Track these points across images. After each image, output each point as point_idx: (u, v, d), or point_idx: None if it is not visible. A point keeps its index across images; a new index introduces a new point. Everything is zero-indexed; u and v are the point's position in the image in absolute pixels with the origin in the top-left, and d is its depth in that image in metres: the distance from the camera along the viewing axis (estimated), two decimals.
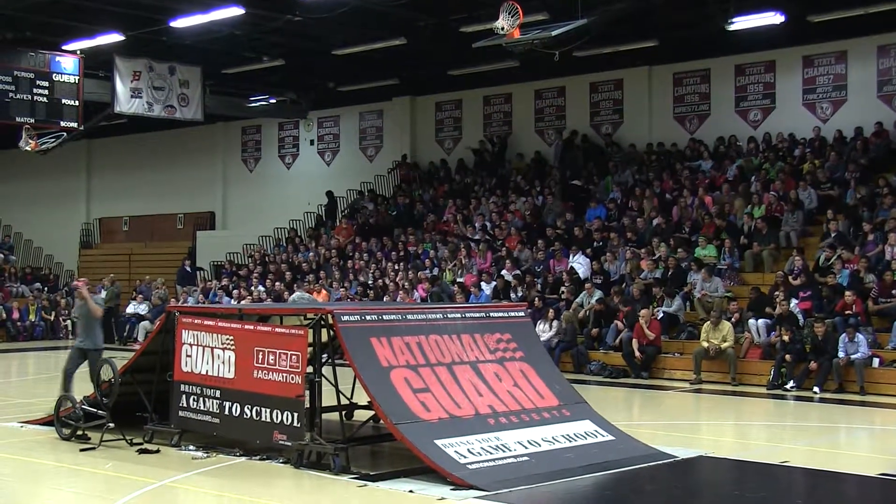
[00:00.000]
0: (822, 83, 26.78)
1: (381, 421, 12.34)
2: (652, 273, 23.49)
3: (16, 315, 33.07)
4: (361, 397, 12.85)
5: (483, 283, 24.99)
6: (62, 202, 43.33)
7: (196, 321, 13.14)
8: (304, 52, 29.45)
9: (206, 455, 12.43)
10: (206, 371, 12.77)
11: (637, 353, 21.42)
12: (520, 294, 24.03)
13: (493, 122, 32.75)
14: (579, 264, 24.78)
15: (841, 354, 18.98)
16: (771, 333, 20.50)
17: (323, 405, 12.20)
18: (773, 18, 24.15)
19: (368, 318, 12.31)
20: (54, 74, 27.34)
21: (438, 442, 11.14)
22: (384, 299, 25.99)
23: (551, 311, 22.95)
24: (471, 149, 33.02)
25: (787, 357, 19.53)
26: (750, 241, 23.68)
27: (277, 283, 29.39)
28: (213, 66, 30.90)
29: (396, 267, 27.90)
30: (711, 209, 24.92)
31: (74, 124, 28.00)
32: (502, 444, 11.51)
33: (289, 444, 11.80)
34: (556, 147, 30.58)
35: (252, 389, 12.20)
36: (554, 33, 19.59)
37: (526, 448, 11.61)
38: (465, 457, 11.05)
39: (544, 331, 22.37)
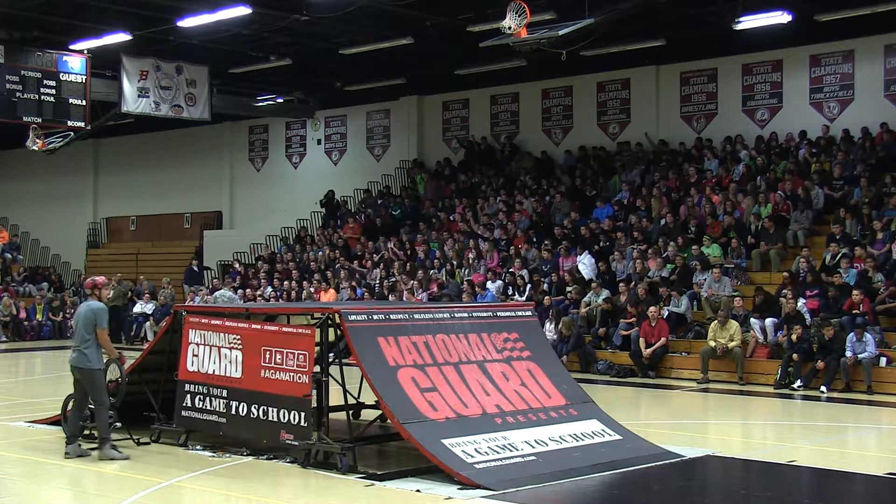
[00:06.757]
0: (830, 82, 26.74)
1: (389, 420, 12.36)
2: (659, 272, 23.47)
3: (23, 315, 33.11)
4: (369, 396, 12.86)
5: (489, 283, 25.00)
6: (69, 202, 43.42)
7: (203, 321, 13.16)
8: (312, 51, 29.49)
9: (213, 454, 12.45)
10: (213, 370, 12.78)
11: (645, 352, 21.38)
12: (526, 294, 24.04)
13: (501, 122, 32.76)
14: (584, 264, 24.76)
15: (848, 354, 18.95)
16: (778, 333, 20.49)
17: (330, 404, 12.20)
18: (781, 18, 24.13)
19: (376, 317, 12.31)
20: (61, 74, 27.36)
21: (445, 441, 11.14)
22: (390, 298, 25.99)
23: (553, 311, 22.91)
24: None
25: (795, 356, 19.51)
26: (757, 240, 23.66)
27: (286, 282, 29.44)
28: (221, 66, 30.97)
29: (405, 266, 27.90)
30: (718, 208, 24.93)
31: (81, 124, 28.04)
32: (509, 444, 11.50)
33: (296, 443, 11.81)
34: (567, 158, 30.57)
35: (259, 389, 12.21)
36: (561, 32, 19.60)
37: (533, 447, 11.61)
38: (472, 456, 11.04)
39: (551, 331, 22.35)
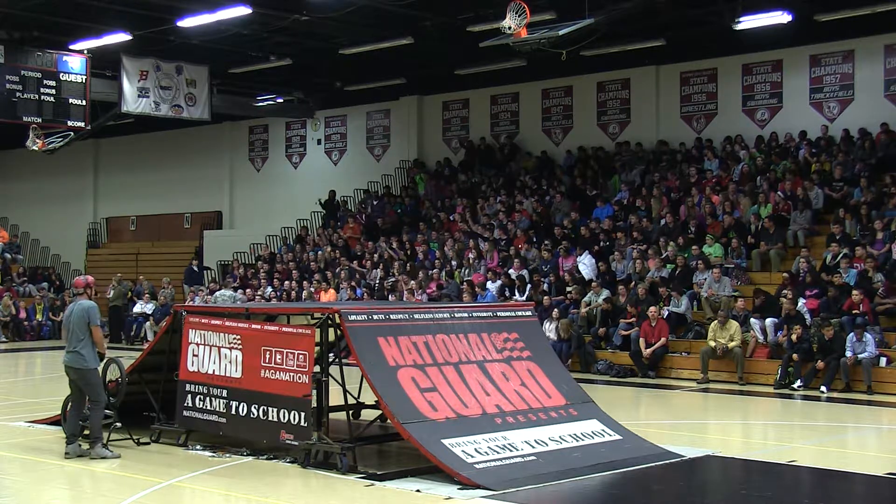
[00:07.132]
0: (830, 82, 26.73)
1: (388, 420, 12.35)
2: (659, 272, 23.47)
3: (23, 315, 33.10)
4: (369, 396, 12.86)
5: (489, 283, 24.99)
6: (69, 202, 43.41)
7: (203, 321, 13.15)
8: (312, 51, 29.47)
9: (213, 454, 12.45)
10: (213, 370, 12.78)
11: (645, 352, 21.37)
12: (526, 293, 24.03)
13: (501, 122, 32.76)
14: (584, 264, 24.75)
15: (848, 354, 18.95)
16: (778, 333, 20.49)
17: (330, 404, 12.20)
18: (781, 18, 24.14)
19: (376, 317, 12.30)
20: (61, 74, 27.32)
21: (445, 441, 11.14)
22: (390, 298, 26.00)
23: (556, 310, 22.92)
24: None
25: (795, 356, 19.51)
26: (757, 240, 23.66)
27: (286, 282, 29.43)
28: (221, 66, 30.95)
29: (405, 266, 27.88)
30: (718, 207, 24.93)
31: (81, 124, 28.01)
32: (509, 444, 11.50)
33: (296, 443, 11.80)
34: (567, 158, 30.57)
35: (259, 389, 12.21)
36: (561, 32, 19.59)
37: (533, 447, 11.60)
38: (472, 456, 11.04)
39: (551, 330, 22.33)
